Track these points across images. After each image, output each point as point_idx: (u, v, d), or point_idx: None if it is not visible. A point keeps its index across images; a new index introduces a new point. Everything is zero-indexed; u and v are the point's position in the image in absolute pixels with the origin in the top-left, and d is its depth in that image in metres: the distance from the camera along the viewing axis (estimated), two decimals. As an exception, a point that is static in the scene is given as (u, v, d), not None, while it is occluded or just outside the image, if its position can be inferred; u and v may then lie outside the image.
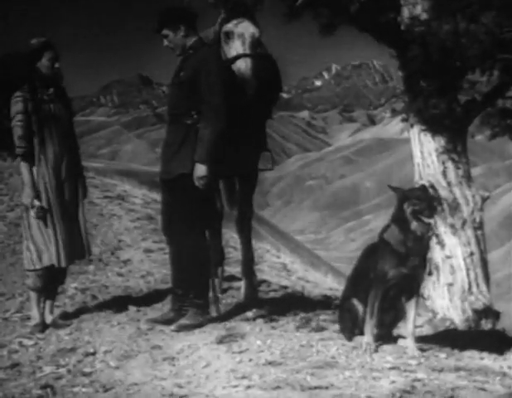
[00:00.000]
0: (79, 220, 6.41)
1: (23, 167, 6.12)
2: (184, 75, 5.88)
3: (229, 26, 6.37)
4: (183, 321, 5.92)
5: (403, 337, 5.31)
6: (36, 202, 6.08)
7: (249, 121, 6.54)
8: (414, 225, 5.05)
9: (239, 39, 6.32)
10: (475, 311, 7.87)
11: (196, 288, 5.98)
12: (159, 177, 6.13)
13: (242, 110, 6.30)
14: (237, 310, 6.58)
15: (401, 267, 5.11)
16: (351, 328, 5.40)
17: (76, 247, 6.35)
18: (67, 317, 6.58)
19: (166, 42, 5.99)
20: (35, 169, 6.14)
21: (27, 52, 6.23)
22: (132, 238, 10.02)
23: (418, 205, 5.03)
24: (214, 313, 6.22)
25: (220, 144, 5.79)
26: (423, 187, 5.34)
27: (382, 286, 5.13)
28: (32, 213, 6.10)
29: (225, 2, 6.55)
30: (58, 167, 6.22)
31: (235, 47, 6.31)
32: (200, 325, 5.87)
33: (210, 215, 6.21)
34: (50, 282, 6.36)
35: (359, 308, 5.31)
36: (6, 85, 6.13)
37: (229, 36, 6.36)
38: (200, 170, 5.71)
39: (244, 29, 6.35)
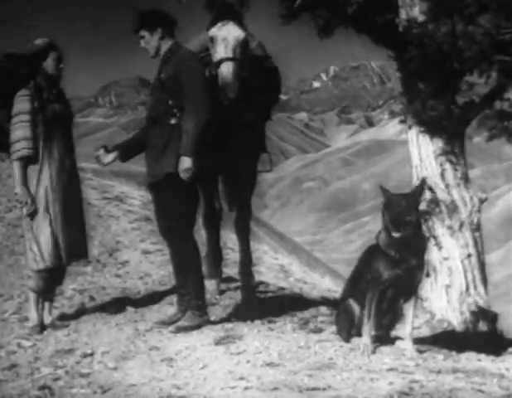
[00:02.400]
0: (80, 220, 6.44)
1: (19, 166, 6.11)
2: (164, 76, 5.90)
3: (213, 30, 6.38)
4: (181, 322, 5.93)
5: (401, 339, 5.31)
6: (29, 200, 6.09)
7: (241, 123, 6.55)
8: (394, 232, 5.02)
9: (223, 43, 6.32)
10: (473, 313, 7.86)
11: (192, 289, 5.98)
12: (146, 181, 6.16)
13: (229, 113, 6.32)
14: (235, 311, 6.58)
15: (395, 268, 5.11)
16: (348, 329, 5.40)
17: (77, 247, 6.36)
18: (65, 318, 6.59)
19: (142, 43, 6.05)
20: (37, 169, 6.14)
21: (33, 51, 6.24)
22: (130, 239, 10.01)
23: (389, 215, 5.00)
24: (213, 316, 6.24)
25: (204, 137, 5.80)
26: (408, 194, 5.16)
27: (378, 287, 5.14)
28: (24, 211, 6.11)
29: (212, 4, 6.56)
30: (62, 168, 6.24)
31: (219, 52, 6.32)
32: (197, 326, 5.87)
33: (196, 213, 6.22)
34: (51, 283, 6.37)
35: (356, 308, 5.32)
36: (5, 86, 6.10)
37: (213, 40, 6.37)
38: (186, 162, 5.72)
39: (228, 32, 6.34)
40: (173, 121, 5.83)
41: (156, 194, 6.05)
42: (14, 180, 6.16)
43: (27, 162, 6.11)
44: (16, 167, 6.11)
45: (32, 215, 6.11)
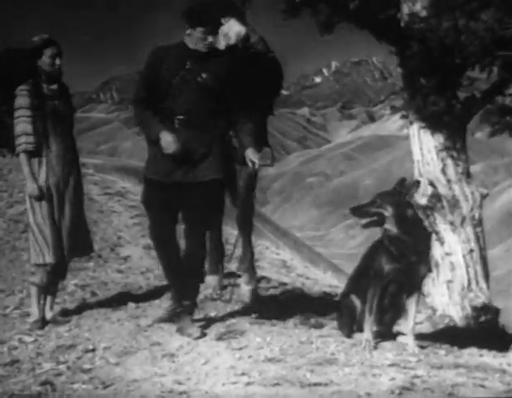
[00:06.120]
0: (82, 216, 6.45)
1: (24, 161, 6.13)
2: (209, 79, 5.53)
3: None
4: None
5: (403, 334, 5.31)
6: (41, 192, 6.11)
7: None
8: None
9: (224, 39, 6.31)
10: (475, 308, 7.87)
11: (189, 290, 5.85)
12: (174, 179, 5.58)
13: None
14: (236, 307, 6.58)
15: (395, 263, 5.11)
16: (350, 325, 5.40)
17: (81, 243, 6.37)
18: (67, 313, 6.59)
19: (210, 39, 5.56)
20: (37, 164, 6.15)
21: (28, 49, 6.23)
22: (131, 234, 10.02)
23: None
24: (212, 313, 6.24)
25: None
26: (393, 190, 5.19)
27: (380, 282, 5.13)
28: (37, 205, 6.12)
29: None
30: (62, 163, 6.24)
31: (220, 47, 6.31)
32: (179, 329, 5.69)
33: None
34: (54, 277, 6.38)
35: (357, 303, 5.32)
36: (5, 82, 6.10)
37: None
38: (253, 155, 5.59)
39: (229, 28, 6.33)
40: (216, 125, 5.62)
41: (189, 197, 5.65)
42: (24, 174, 6.19)
43: (30, 155, 6.12)
44: (21, 162, 6.15)
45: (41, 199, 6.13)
